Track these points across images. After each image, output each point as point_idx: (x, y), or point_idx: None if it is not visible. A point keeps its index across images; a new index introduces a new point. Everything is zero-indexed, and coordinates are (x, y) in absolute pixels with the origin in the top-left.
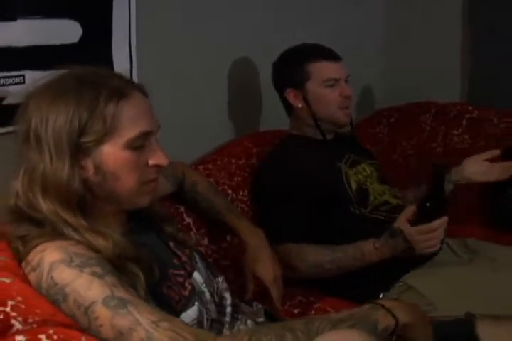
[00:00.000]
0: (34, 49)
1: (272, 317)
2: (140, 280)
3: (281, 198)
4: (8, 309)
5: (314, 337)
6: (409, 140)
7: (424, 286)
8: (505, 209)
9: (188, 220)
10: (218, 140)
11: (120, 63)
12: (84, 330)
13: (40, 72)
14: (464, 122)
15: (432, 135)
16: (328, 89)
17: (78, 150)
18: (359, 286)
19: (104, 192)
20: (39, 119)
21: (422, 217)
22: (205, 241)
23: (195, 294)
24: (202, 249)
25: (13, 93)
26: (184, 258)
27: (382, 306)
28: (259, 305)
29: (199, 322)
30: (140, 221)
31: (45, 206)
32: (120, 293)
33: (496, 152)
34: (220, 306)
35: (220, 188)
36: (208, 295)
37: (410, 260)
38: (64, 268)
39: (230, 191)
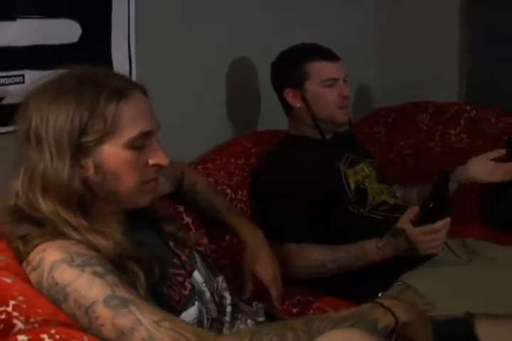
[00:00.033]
0: (33, 49)
1: (271, 316)
2: (140, 280)
3: (280, 198)
4: (10, 309)
5: (315, 336)
6: (407, 140)
7: (423, 286)
8: (505, 210)
9: (187, 220)
10: (217, 139)
11: (119, 63)
12: (85, 330)
13: (40, 71)
14: (462, 122)
15: (429, 135)
16: (327, 88)
17: (79, 150)
18: (358, 286)
19: (105, 192)
20: (39, 119)
21: (425, 218)
22: (205, 241)
23: (196, 293)
24: (201, 248)
25: (13, 93)
26: (184, 258)
27: (382, 305)
28: (259, 305)
29: (199, 322)
30: (140, 220)
31: (45, 206)
32: (121, 292)
33: (502, 151)
34: (220, 305)
35: (219, 188)
36: (208, 294)
37: (409, 259)
38: (65, 268)
39: (229, 191)
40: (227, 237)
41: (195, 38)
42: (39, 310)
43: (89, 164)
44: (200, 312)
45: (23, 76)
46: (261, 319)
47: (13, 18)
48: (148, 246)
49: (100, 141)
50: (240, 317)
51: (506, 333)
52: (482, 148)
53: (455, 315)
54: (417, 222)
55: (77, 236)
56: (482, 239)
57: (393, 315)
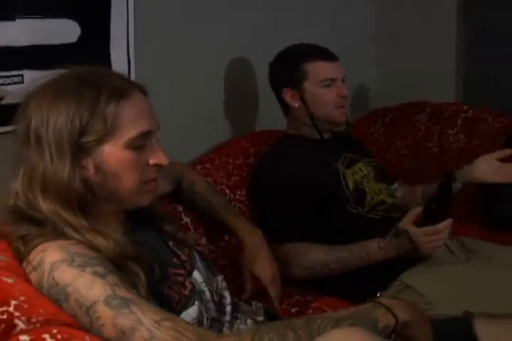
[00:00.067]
0: (33, 49)
1: (271, 316)
2: (141, 280)
3: (278, 198)
4: (11, 309)
5: (316, 335)
6: (405, 140)
7: (421, 285)
8: (505, 210)
9: (186, 220)
10: (216, 139)
11: (118, 63)
12: (86, 330)
13: (39, 71)
14: (459, 122)
15: (427, 135)
16: (325, 88)
17: (79, 150)
18: (356, 285)
19: (105, 192)
20: (39, 119)
21: (427, 219)
22: (203, 241)
23: (196, 293)
24: (200, 248)
25: (12, 93)
26: (184, 258)
27: (382, 304)
28: (259, 304)
29: (199, 322)
30: (140, 220)
31: (45, 206)
32: (122, 292)
33: (508, 151)
34: (220, 305)
35: (217, 188)
36: (207, 294)
37: (407, 259)
38: (65, 268)
39: (227, 191)
40: (226, 237)
41: (194, 38)
42: (40, 310)
43: (89, 164)
44: (200, 311)
45: (22, 76)
46: (260, 318)
47: (12, 18)
48: (148, 246)
49: (100, 141)
50: (239, 316)
51: (505, 332)
52: (479, 147)
53: (454, 315)
54: (419, 223)
55: (77, 236)
56: (480, 239)
57: (393, 314)
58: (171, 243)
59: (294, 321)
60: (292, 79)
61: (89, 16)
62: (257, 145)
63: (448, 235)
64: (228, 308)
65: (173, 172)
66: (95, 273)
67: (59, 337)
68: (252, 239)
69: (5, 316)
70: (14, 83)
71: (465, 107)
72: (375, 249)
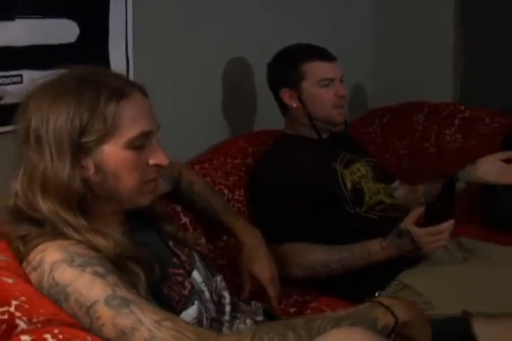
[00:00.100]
0: (32, 48)
1: (270, 315)
2: (141, 280)
3: (276, 198)
4: (12, 309)
5: (316, 335)
6: (402, 140)
7: (419, 285)
8: (501, 210)
9: (185, 220)
10: (214, 139)
11: (117, 62)
12: (87, 330)
13: (38, 71)
14: (457, 122)
15: (424, 135)
16: (323, 88)
17: (79, 150)
18: (355, 285)
19: (105, 192)
20: (39, 119)
21: (430, 219)
22: (202, 241)
23: (195, 293)
24: (198, 248)
25: (11, 93)
26: (183, 258)
27: (382, 304)
28: (258, 304)
29: (199, 322)
30: (140, 220)
31: (44, 206)
32: (122, 292)
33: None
34: (219, 305)
35: (216, 188)
36: (207, 294)
37: (406, 259)
38: (65, 268)
39: (226, 191)
40: (225, 237)
41: (193, 37)
42: (41, 310)
43: (89, 164)
44: (199, 311)
45: (21, 76)
46: (260, 318)
47: (11, 18)
48: (148, 245)
49: (100, 141)
50: (239, 316)
51: (503, 332)
52: (477, 148)
53: (452, 314)
54: (421, 223)
55: (77, 236)
56: (478, 239)
57: (393, 314)
58: (170, 243)
59: (294, 321)
60: (290, 79)
61: (88, 16)
62: (255, 145)
63: (449, 235)
64: (227, 308)
65: (172, 172)
66: (95, 273)
67: (60, 337)
68: (251, 239)
69: (6, 316)
70: (13, 83)
71: (462, 107)
72: (377, 249)
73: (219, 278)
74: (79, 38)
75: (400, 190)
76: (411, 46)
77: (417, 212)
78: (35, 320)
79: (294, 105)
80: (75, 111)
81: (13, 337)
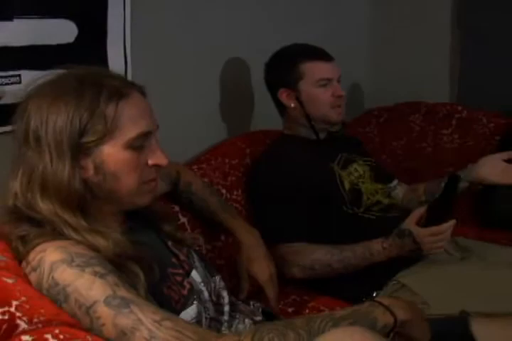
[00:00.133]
0: (30, 49)
1: (269, 315)
2: (140, 280)
3: (275, 198)
4: (13, 309)
5: (316, 335)
6: (399, 140)
7: (417, 284)
8: (500, 210)
9: (183, 220)
10: (211, 140)
11: (115, 63)
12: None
13: (37, 71)
14: (454, 122)
15: (421, 135)
16: (321, 89)
17: (78, 150)
18: (352, 285)
19: (104, 192)
20: (39, 120)
21: (431, 219)
22: (200, 241)
23: (194, 293)
24: (197, 248)
25: (10, 93)
26: (182, 257)
27: (381, 304)
28: (257, 304)
29: (198, 321)
30: (139, 220)
31: (44, 206)
32: (122, 292)
33: None
34: (218, 305)
35: (214, 188)
36: (206, 294)
37: (403, 259)
38: (65, 268)
39: (224, 191)
40: (223, 237)
41: (190, 38)
42: (42, 310)
43: (89, 164)
44: (198, 311)
45: (19, 76)
46: (258, 318)
47: (10, 18)
48: (147, 245)
49: (100, 141)
50: (237, 316)
51: (501, 331)
52: (473, 148)
53: (450, 314)
54: (423, 223)
55: (76, 237)
56: (474, 238)
57: (392, 313)
58: (169, 243)
59: (293, 321)
60: (288, 80)
61: (87, 17)
62: (253, 146)
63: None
64: (226, 308)
65: (170, 172)
66: (95, 274)
67: (61, 337)
68: (249, 239)
69: (6, 316)
70: (12, 83)
71: (459, 108)
72: (378, 249)
73: (218, 278)
74: (77, 38)
75: (399, 189)
76: (408, 46)
77: (419, 212)
78: (35, 320)
79: (292, 105)
80: (75, 111)
81: (14, 337)
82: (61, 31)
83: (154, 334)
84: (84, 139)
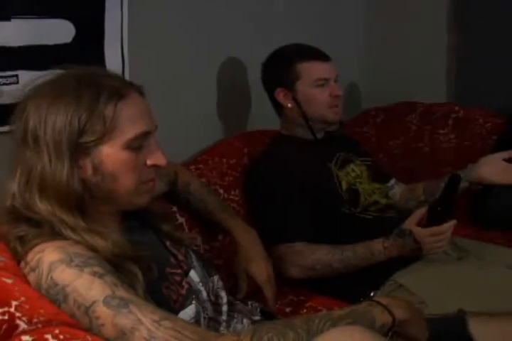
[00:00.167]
0: (28, 49)
1: (267, 315)
2: (139, 280)
3: (274, 198)
4: (12, 309)
5: (315, 334)
6: (396, 139)
7: (414, 284)
8: (497, 210)
9: (181, 220)
10: (208, 140)
11: (112, 63)
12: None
13: (34, 71)
14: (450, 122)
15: (418, 134)
16: (318, 89)
17: (77, 150)
18: (350, 285)
19: (103, 192)
20: (38, 120)
21: (432, 220)
22: (198, 241)
23: (193, 293)
24: (195, 248)
25: (7, 93)
26: (181, 257)
27: (379, 303)
28: (255, 304)
29: (196, 321)
30: (137, 220)
31: (42, 206)
32: (121, 292)
33: None
34: (216, 305)
35: (211, 188)
36: (204, 293)
37: (400, 259)
38: (64, 269)
39: (221, 191)
40: (220, 237)
41: (187, 38)
42: (41, 311)
43: (87, 165)
44: (197, 311)
45: (17, 76)
46: (257, 318)
47: (7, 18)
48: (145, 245)
49: (99, 141)
50: (236, 316)
51: (499, 330)
52: (470, 147)
53: (447, 313)
54: (424, 224)
55: (74, 237)
56: (471, 238)
57: (390, 313)
58: (168, 243)
59: (292, 320)
60: (285, 80)
61: (84, 17)
62: (250, 146)
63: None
64: (225, 308)
65: (168, 172)
66: (94, 274)
67: (61, 337)
68: (247, 239)
69: (6, 317)
70: (9, 83)
71: (456, 107)
72: (379, 248)
73: (216, 277)
74: (75, 39)
75: (396, 189)
76: (404, 46)
77: (420, 212)
78: (35, 320)
79: (289, 105)
80: (74, 111)
81: (14, 338)
82: (59, 31)
83: (154, 334)
84: (83, 139)
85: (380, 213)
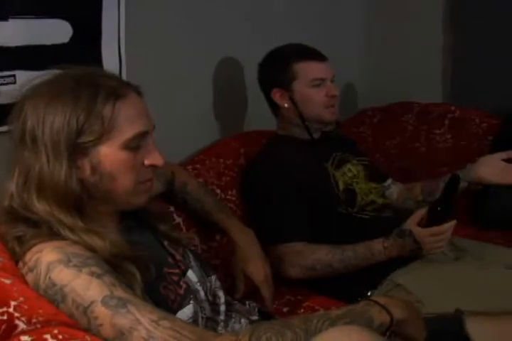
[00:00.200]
0: (25, 49)
1: (265, 315)
2: (137, 280)
3: (271, 198)
4: (11, 309)
5: (313, 334)
6: (392, 140)
7: (411, 284)
8: (495, 210)
9: (178, 220)
10: (205, 140)
11: (109, 63)
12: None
13: (32, 71)
14: (446, 122)
15: (414, 135)
16: (315, 89)
17: (75, 150)
18: (347, 284)
19: (101, 192)
20: (36, 120)
21: (432, 220)
22: (195, 241)
23: (190, 293)
24: (193, 248)
25: (4, 93)
26: (178, 257)
27: (377, 303)
28: (253, 304)
29: (194, 321)
30: (135, 220)
31: (40, 207)
32: (119, 292)
33: None
34: (214, 304)
35: (208, 188)
36: (202, 293)
37: (397, 258)
38: (62, 269)
39: (218, 191)
40: (218, 237)
41: (184, 38)
42: (40, 311)
43: (85, 165)
44: (195, 311)
45: (14, 76)
46: (255, 318)
47: (5, 18)
48: (143, 245)
49: (97, 141)
50: (233, 316)
51: (496, 329)
52: (466, 147)
53: (445, 313)
54: (424, 224)
55: (73, 237)
56: (469, 238)
57: (388, 312)
58: (165, 242)
59: (291, 320)
60: (281, 80)
61: (81, 17)
62: (246, 146)
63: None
64: (222, 308)
65: (165, 172)
66: (92, 274)
67: (60, 337)
68: (244, 239)
69: (5, 317)
70: (7, 83)
71: (452, 108)
72: (379, 248)
73: (213, 277)
74: (72, 39)
75: (393, 188)
76: (401, 46)
77: (420, 213)
78: (34, 320)
79: (286, 105)
80: (72, 111)
81: (13, 338)
82: (56, 31)
83: (152, 334)
84: (81, 139)
85: (377, 213)
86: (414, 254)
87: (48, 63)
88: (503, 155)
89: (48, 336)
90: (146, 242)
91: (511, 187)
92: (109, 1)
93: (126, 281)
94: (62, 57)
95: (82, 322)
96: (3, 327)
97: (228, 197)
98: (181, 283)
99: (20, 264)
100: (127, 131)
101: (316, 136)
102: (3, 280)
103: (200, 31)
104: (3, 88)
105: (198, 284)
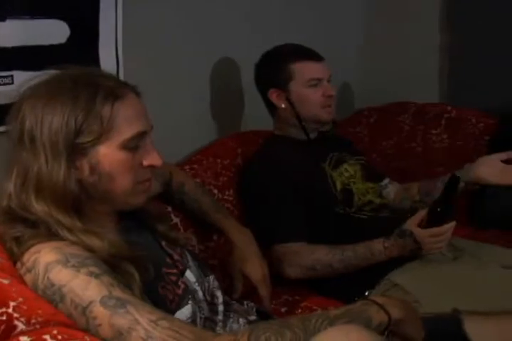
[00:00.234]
0: (23, 49)
1: (263, 315)
2: (135, 280)
3: (269, 199)
4: (10, 310)
5: (312, 334)
6: (389, 140)
7: (409, 284)
8: (493, 210)
9: (176, 220)
10: (203, 140)
11: (107, 63)
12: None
13: (29, 72)
14: (443, 122)
15: (411, 135)
16: (311, 89)
17: (74, 151)
18: (345, 284)
19: (99, 193)
20: (34, 120)
21: (432, 221)
22: (193, 241)
23: (189, 293)
24: (191, 248)
25: (2, 93)
26: (176, 257)
27: (375, 302)
28: (251, 304)
29: (193, 321)
30: (133, 220)
31: (38, 207)
32: (117, 292)
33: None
34: (212, 304)
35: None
36: (200, 293)
37: (395, 258)
38: (60, 269)
39: (216, 191)
40: (215, 237)
41: (181, 39)
42: (39, 311)
43: (84, 165)
44: (193, 311)
45: (12, 76)
46: (253, 318)
47: (2, 19)
48: (141, 245)
49: (96, 141)
50: (232, 315)
51: (494, 329)
52: (462, 147)
53: (442, 313)
54: (424, 225)
55: (71, 237)
56: (467, 238)
57: (386, 312)
58: (163, 243)
59: (289, 320)
60: (278, 80)
61: (78, 17)
62: (244, 146)
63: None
64: (221, 308)
65: (163, 173)
66: (90, 274)
67: (59, 337)
68: (242, 239)
69: (4, 317)
70: (4, 84)
71: (449, 108)
72: (380, 248)
73: (211, 277)
74: (69, 39)
75: (390, 188)
76: (397, 46)
77: (421, 214)
78: (33, 320)
79: (282, 105)
80: (71, 112)
81: (12, 338)
82: (53, 32)
83: (151, 334)
84: (80, 140)
85: (375, 213)
86: (413, 254)
87: (45, 63)
88: (503, 155)
89: (47, 336)
90: (144, 242)
91: (510, 187)
92: (107, 1)
93: (125, 281)
94: (60, 58)
95: (80, 322)
96: (3, 327)
97: (225, 197)
98: (179, 283)
99: (19, 265)
100: (126, 131)
101: (312, 136)
102: (1, 280)
103: (198, 31)
104: (1, 88)
105: (196, 284)
